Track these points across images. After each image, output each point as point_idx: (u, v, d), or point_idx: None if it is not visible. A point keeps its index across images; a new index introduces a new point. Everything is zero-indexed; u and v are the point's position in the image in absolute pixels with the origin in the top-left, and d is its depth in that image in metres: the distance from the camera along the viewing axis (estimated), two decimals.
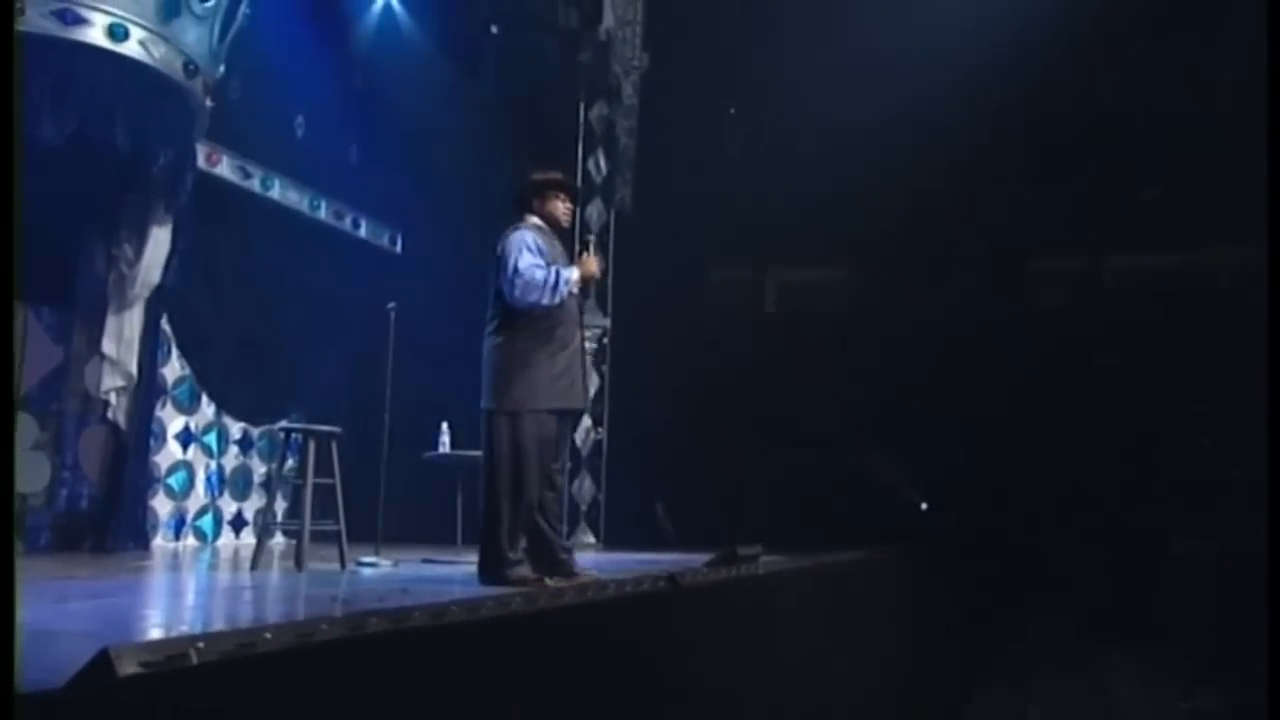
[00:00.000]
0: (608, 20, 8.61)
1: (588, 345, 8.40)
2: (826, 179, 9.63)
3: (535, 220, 4.24)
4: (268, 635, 1.66)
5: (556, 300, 4.00)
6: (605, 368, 8.75)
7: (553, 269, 4.02)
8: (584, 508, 8.55)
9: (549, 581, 3.83)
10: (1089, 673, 8.02)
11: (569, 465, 8.42)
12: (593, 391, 4.32)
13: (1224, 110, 9.34)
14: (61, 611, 2.85)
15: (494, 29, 8.61)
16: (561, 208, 4.30)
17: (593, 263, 4.20)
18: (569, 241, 8.40)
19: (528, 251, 4.03)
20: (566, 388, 4.04)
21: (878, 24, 9.29)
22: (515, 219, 4.24)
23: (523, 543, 3.97)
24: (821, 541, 6.36)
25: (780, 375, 10.13)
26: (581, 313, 4.21)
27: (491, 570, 3.94)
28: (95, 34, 5.31)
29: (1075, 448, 9.55)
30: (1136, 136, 9.96)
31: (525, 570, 3.92)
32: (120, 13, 5.36)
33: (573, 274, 4.06)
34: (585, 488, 8.57)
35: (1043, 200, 10.19)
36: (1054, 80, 9.50)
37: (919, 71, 9.10)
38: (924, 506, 10.42)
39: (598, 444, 8.68)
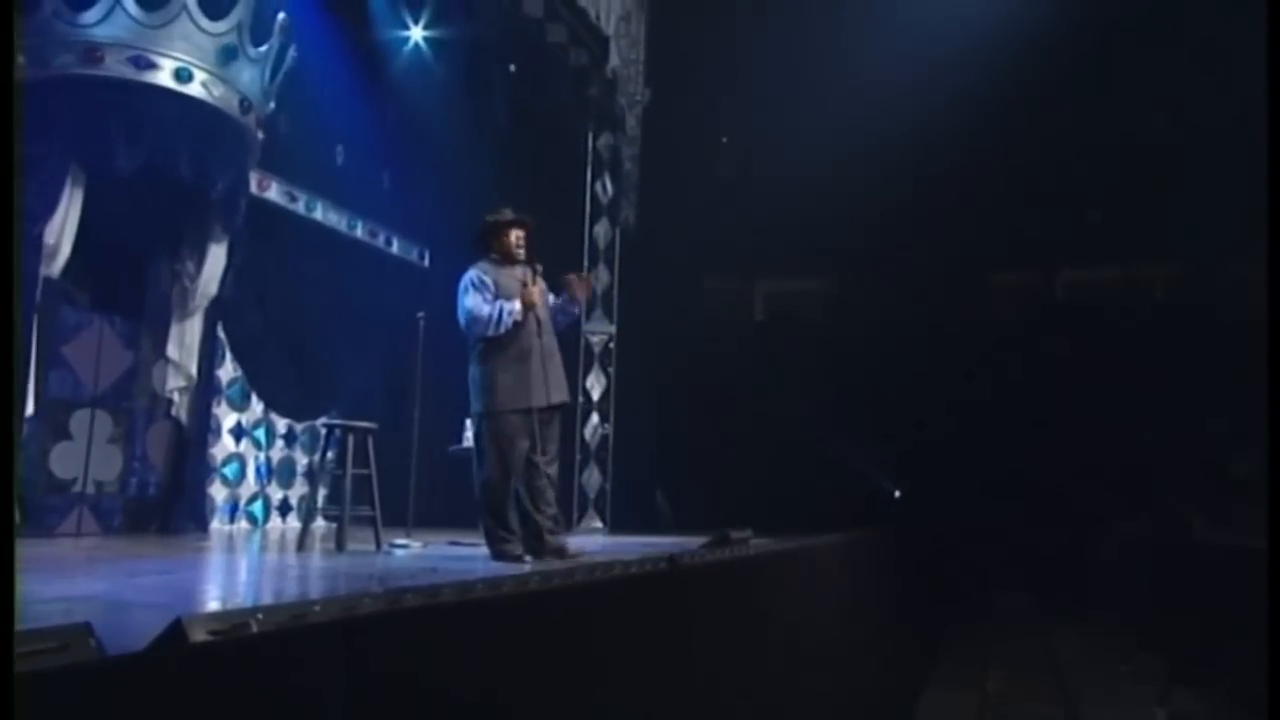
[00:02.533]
0: (614, 59, 8.64)
1: (595, 349, 8.53)
2: (808, 200, 9.67)
3: (493, 256, 4.35)
4: (317, 608, 1.68)
5: (501, 330, 4.12)
6: (611, 369, 8.77)
7: (496, 304, 4.12)
8: (592, 496, 8.55)
9: (528, 560, 4.01)
10: (1042, 641, 8.04)
11: (579, 457, 8.47)
12: (561, 393, 4.33)
13: (1158, 143, 9.43)
14: (134, 585, 2.88)
15: (511, 67, 8.63)
16: (511, 241, 4.35)
17: (534, 292, 4.21)
18: (576, 255, 8.56)
19: (474, 290, 4.18)
20: (522, 391, 4.14)
21: (855, 63, 9.35)
22: (476, 256, 4.36)
23: (512, 522, 4.11)
24: (805, 525, 6.37)
25: (768, 375, 10.16)
26: (538, 323, 4.22)
27: (488, 545, 4.16)
28: (164, 77, 5.36)
29: (1030, 442, 9.58)
30: (1082, 166, 10.05)
31: (511, 547, 4.08)
32: (185, 58, 5.41)
33: (515, 305, 4.14)
34: (593, 478, 8.57)
35: (1001, 221, 10.26)
36: (1012, 114, 9.57)
37: (891, 105, 9.16)
38: (897, 494, 10.44)
39: (604, 438, 8.69)
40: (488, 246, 4.39)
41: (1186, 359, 8.83)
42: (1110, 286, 10.69)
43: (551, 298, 4.50)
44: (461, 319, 4.19)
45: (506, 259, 4.34)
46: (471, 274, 4.25)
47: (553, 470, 4.27)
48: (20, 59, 5.17)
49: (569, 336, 4.90)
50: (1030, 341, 10.32)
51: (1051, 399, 9.69)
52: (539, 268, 4.39)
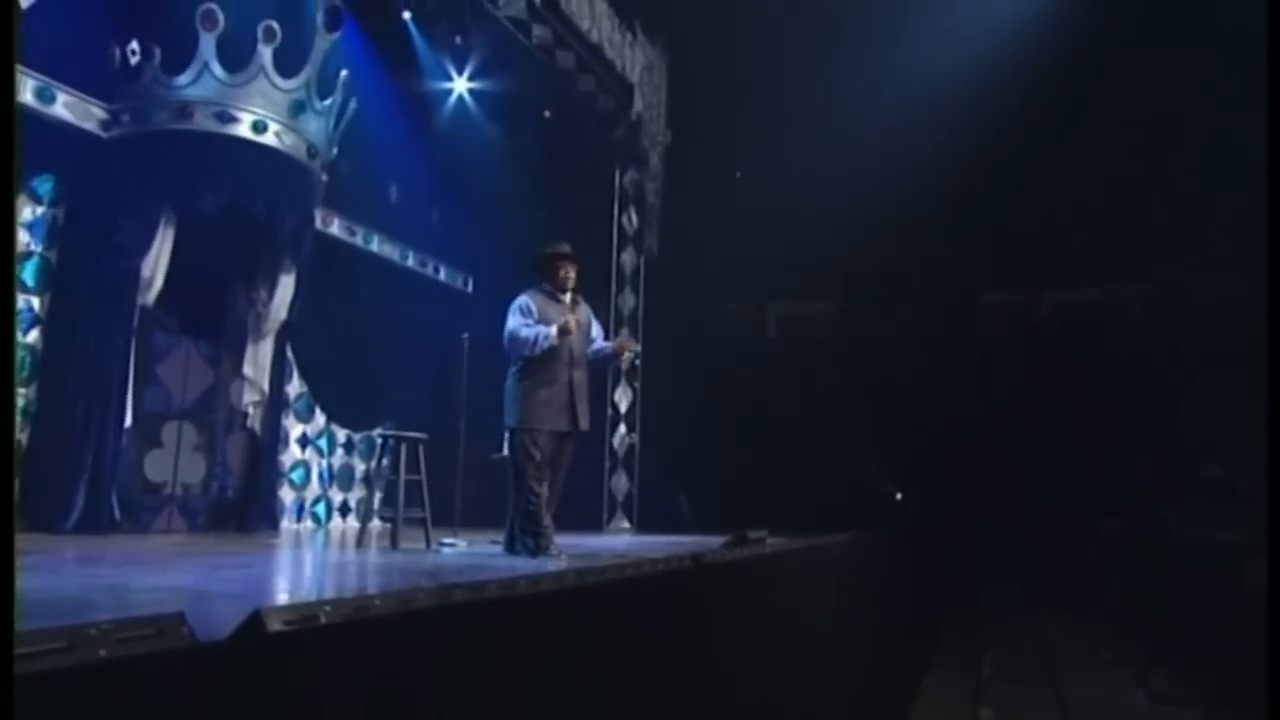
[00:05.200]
0: (638, 105, 8.72)
1: (622, 365, 8.55)
2: (816, 229, 9.65)
3: (545, 286, 4.36)
4: (377, 601, 1.70)
5: (537, 352, 4.14)
6: (637, 384, 8.79)
7: (535, 328, 4.15)
8: (620, 499, 8.55)
9: (551, 553, 4.05)
10: (1032, 629, 7.91)
11: (608, 464, 8.49)
12: (585, 421, 4.29)
13: (1133, 175, 9.35)
14: (216, 578, 2.91)
15: (546, 113, 8.74)
16: (561, 273, 4.34)
17: (570, 321, 4.19)
18: (605, 281, 8.62)
19: (519, 314, 4.22)
20: (551, 413, 4.17)
21: (856, 104, 9.35)
22: (532, 282, 4.40)
23: (535, 524, 4.12)
24: (816, 526, 6.33)
25: (780, 389, 10.13)
26: (572, 356, 4.23)
27: (508, 544, 4.21)
28: (243, 129, 5.50)
29: (1018, 448, 9.46)
30: (1065, 196, 9.98)
31: (524, 549, 4.10)
32: (262, 111, 5.55)
33: (551, 330, 4.14)
34: (621, 482, 8.58)
35: (992, 247, 10.19)
36: (999, 150, 9.52)
37: (890, 143, 9.16)
38: (899, 497, 10.34)
39: (631, 447, 8.70)
40: (541, 275, 4.40)
41: (1161, 372, 8.70)
42: (1090, 306, 10.58)
43: (598, 329, 4.53)
44: (505, 339, 4.23)
45: (556, 289, 4.35)
46: (520, 299, 4.29)
47: (557, 486, 4.30)
48: (125, 117, 5.37)
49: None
50: (1019, 357, 10.21)
51: (1039, 409, 9.57)
52: (579, 298, 4.40)
